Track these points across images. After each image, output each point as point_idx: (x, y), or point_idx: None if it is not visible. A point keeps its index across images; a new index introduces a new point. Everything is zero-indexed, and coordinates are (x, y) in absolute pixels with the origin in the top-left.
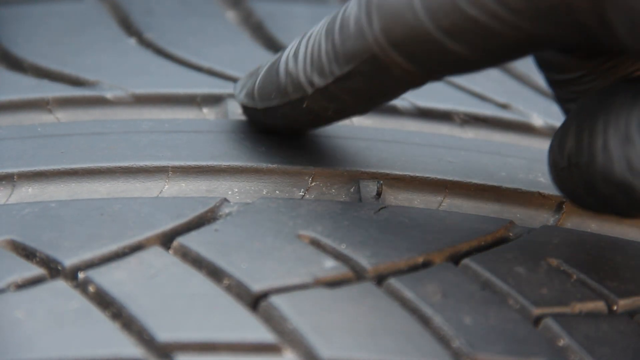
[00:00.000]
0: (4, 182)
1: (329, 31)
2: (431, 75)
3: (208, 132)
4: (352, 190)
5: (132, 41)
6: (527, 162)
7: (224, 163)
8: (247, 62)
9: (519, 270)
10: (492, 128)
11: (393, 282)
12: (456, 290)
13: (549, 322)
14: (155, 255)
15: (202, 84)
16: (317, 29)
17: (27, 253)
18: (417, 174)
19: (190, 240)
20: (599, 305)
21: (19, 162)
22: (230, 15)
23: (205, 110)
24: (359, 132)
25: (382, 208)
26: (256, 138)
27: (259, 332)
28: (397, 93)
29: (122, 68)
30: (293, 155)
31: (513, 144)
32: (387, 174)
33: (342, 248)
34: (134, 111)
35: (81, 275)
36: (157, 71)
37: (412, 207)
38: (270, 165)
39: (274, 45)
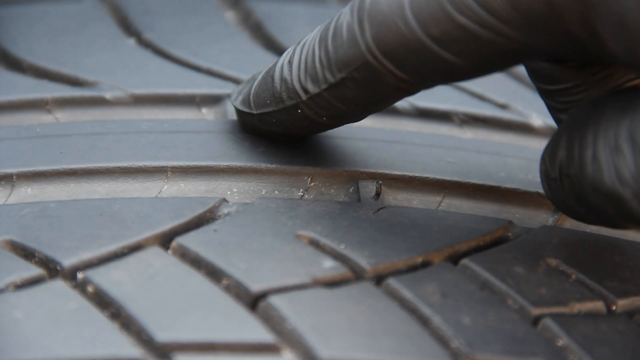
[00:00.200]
0: (3, 182)
1: (323, 39)
2: (423, 83)
3: (207, 132)
4: (351, 190)
5: (131, 41)
6: (526, 162)
7: (223, 163)
8: (246, 62)
9: (518, 270)
10: (491, 128)
11: (392, 282)
12: (455, 290)
13: (547, 322)
14: (154, 256)
15: (201, 84)
16: (312, 37)
17: (26, 253)
18: (416, 174)
19: (189, 241)
20: (598, 305)
21: (18, 162)
22: (230, 15)
23: (204, 110)
24: (358, 132)
25: (381, 208)
26: (255, 138)
27: (258, 332)
28: (390, 100)
29: (121, 68)
30: (292, 156)
31: (512, 144)
32: (386, 174)
33: (341, 248)
34: (133, 111)
35: (80, 275)
36: (156, 71)
37: (411, 207)
38: (269, 166)
39: (273, 46)
